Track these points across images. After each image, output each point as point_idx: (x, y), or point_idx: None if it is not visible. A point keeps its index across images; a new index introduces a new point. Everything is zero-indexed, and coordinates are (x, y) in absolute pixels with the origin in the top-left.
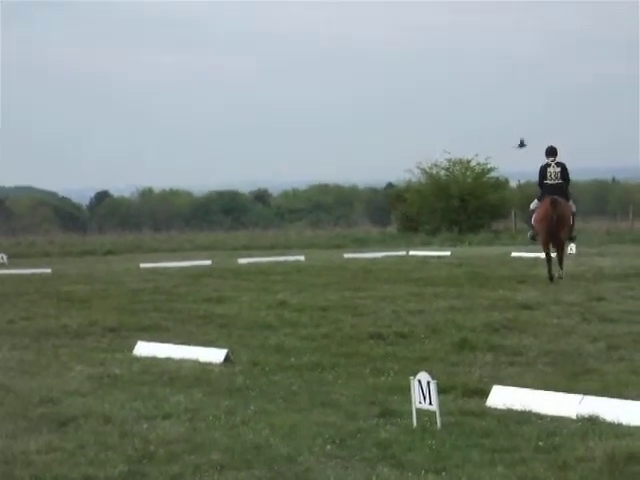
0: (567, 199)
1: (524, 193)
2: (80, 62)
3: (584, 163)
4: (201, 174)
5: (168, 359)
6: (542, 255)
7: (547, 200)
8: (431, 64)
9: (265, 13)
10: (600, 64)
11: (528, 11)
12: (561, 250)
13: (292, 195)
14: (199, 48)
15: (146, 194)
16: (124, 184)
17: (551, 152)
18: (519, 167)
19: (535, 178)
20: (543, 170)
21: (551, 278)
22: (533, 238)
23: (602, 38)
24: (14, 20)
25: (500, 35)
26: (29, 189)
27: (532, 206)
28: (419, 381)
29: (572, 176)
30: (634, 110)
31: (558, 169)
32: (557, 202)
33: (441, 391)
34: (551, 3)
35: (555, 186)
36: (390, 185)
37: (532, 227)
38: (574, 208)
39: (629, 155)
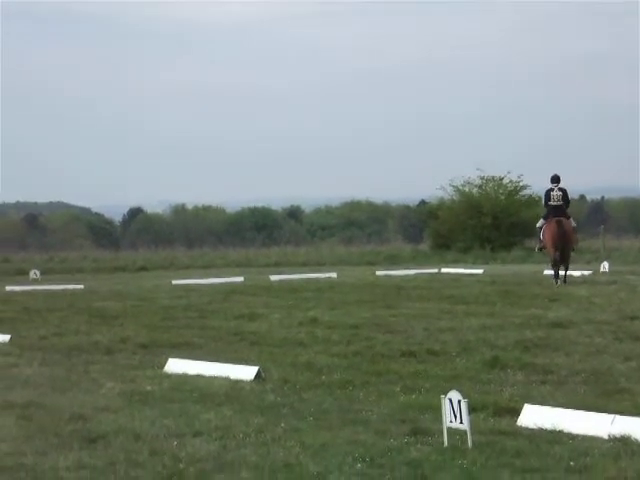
0: (567, 217)
1: None
2: (98, 80)
3: (614, 181)
4: (234, 191)
5: (199, 376)
6: (575, 273)
7: (553, 221)
8: (463, 83)
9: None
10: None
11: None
12: (567, 259)
13: (324, 212)
14: (228, 64)
15: (179, 210)
16: (157, 200)
17: (555, 179)
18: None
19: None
20: (548, 193)
21: (557, 282)
22: (540, 250)
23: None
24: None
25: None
26: (63, 205)
27: (538, 224)
28: (450, 400)
29: (606, 194)
30: None
31: (560, 193)
32: (561, 222)
33: (472, 410)
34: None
35: (557, 207)
36: (423, 202)
37: (540, 241)
38: (574, 224)
39: None
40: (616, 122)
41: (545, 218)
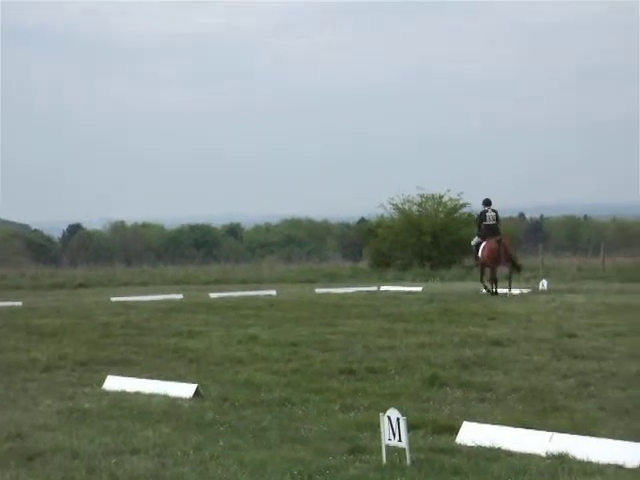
0: (500, 234)
1: None
2: (48, 94)
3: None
4: (173, 208)
5: (137, 393)
6: (514, 291)
7: (493, 240)
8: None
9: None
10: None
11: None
12: (509, 275)
13: (264, 229)
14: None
15: (118, 227)
16: (96, 217)
17: (487, 202)
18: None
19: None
20: (483, 214)
21: (492, 293)
22: (478, 266)
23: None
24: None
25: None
26: (0, 222)
27: (473, 242)
28: (389, 417)
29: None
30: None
31: (494, 213)
32: (501, 241)
33: (411, 427)
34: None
35: (492, 226)
36: (362, 220)
37: (477, 258)
38: None
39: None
40: (558, 140)
41: (481, 237)
